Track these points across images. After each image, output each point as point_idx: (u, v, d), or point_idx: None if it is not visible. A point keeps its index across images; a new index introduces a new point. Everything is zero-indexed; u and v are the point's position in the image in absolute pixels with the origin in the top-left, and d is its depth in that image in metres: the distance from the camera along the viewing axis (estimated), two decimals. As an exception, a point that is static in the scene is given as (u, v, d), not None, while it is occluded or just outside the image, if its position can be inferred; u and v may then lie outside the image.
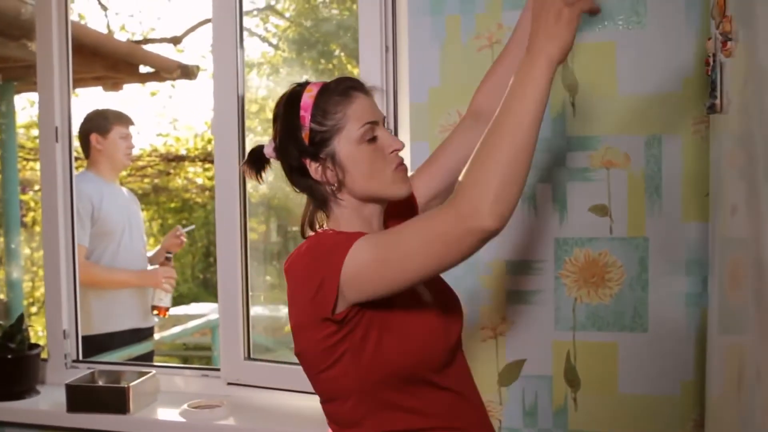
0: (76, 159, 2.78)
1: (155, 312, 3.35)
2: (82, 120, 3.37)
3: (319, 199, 1.49)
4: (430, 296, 1.52)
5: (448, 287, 1.60)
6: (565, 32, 1.22)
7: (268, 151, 1.53)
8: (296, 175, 1.48)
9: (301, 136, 1.44)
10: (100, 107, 3.46)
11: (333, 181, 1.45)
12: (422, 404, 1.43)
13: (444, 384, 1.46)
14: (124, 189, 3.47)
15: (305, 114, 1.44)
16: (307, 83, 1.49)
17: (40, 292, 6.39)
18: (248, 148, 2.43)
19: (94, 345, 3.04)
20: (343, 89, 1.46)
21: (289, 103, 1.47)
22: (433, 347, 1.44)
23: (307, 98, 1.45)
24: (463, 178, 1.24)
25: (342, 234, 1.41)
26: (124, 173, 3.51)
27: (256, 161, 1.55)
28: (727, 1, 1.34)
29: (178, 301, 6.57)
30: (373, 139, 1.45)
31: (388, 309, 1.39)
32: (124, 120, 3.39)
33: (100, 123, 3.32)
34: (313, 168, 1.45)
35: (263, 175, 1.57)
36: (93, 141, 3.29)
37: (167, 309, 3.37)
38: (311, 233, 1.51)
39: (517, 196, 1.22)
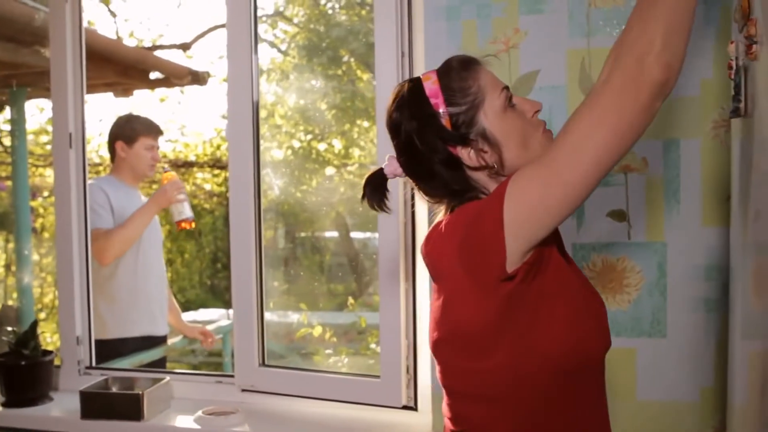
0: (93, 165, 2.79)
1: (181, 226, 3.33)
2: (113, 122, 3.39)
3: (477, 189, 1.36)
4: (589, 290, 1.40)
5: (592, 285, 1.46)
6: None
7: (391, 169, 1.41)
8: (446, 171, 1.34)
9: (442, 124, 1.32)
10: (133, 112, 3.49)
11: (492, 162, 1.33)
12: (572, 418, 1.32)
13: (596, 391, 1.36)
14: (143, 197, 3.49)
15: (437, 101, 1.33)
16: (413, 78, 1.39)
17: (48, 299, 6.40)
18: (261, 154, 2.45)
19: (107, 350, 3.04)
20: (462, 64, 1.36)
21: (413, 99, 1.35)
22: (597, 339, 1.33)
23: (431, 85, 1.34)
24: (619, 42, 1.21)
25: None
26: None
27: (377, 189, 1.43)
28: (752, 4, 1.33)
29: (186, 307, 6.58)
30: (513, 106, 1.36)
31: (554, 284, 1.28)
32: (152, 130, 3.39)
33: (126, 131, 3.32)
34: (466, 154, 1.33)
35: (387, 203, 1.44)
36: (118, 149, 3.30)
37: (192, 219, 3.34)
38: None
39: (683, 47, 1.18)
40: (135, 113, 3.50)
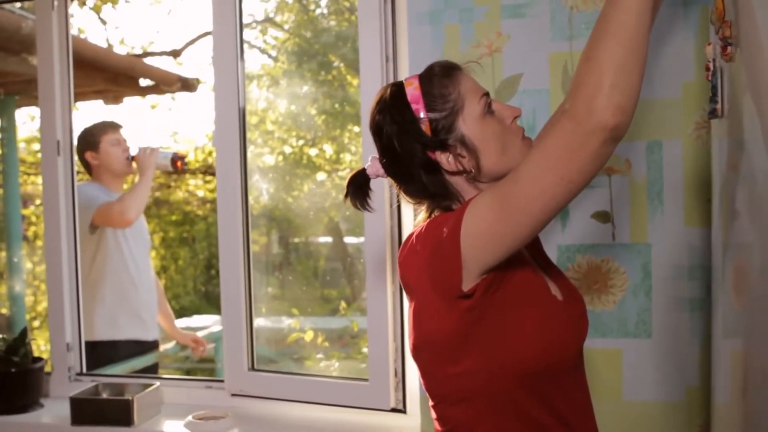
0: (78, 173, 2.80)
1: (179, 165, 3.36)
2: (76, 141, 3.39)
3: (453, 193, 1.38)
4: (558, 291, 1.43)
5: (572, 284, 1.50)
6: None
7: (374, 170, 1.43)
8: (424, 174, 1.36)
9: (422, 129, 1.34)
10: (90, 123, 3.48)
11: (469, 167, 1.35)
12: (544, 413, 1.34)
13: (570, 393, 1.37)
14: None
15: (417, 106, 1.35)
16: (396, 82, 1.41)
17: (42, 306, 6.39)
18: (249, 160, 2.46)
19: (97, 353, 3.04)
20: (444, 70, 1.38)
21: (395, 103, 1.37)
22: (567, 341, 1.35)
23: (413, 90, 1.36)
24: (572, 82, 1.16)
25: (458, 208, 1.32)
26: (125, 186, 3.50)
27: (359, 188, 1.45)
28: (726, 7, 1.35)
29: (180, 313, 6.57)
30: (492, 112, 1.37)
31: (519, 295, 1.31)
32: (110, 127, 3.40)
33: (89, 140, 3.33)
34: (444, 159, 1.35)
35: (370, 202, 1.46)
36: (89, 158, 3.32)
37: (180, 156, 3.38)
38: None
39: (637, 86, 1.13)
40: (89, 124, 3.48)
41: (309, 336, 4.42)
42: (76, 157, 2.81)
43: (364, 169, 1.46)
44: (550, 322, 1.34)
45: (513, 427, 1.34)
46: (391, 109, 1.37)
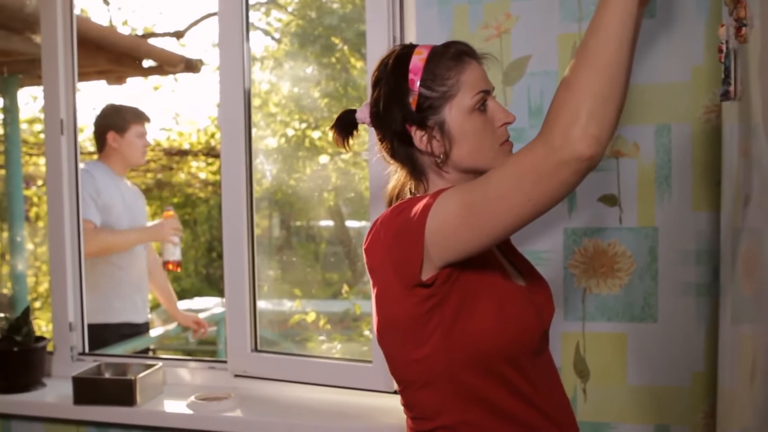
0: (88, 153, 2.78)
1: (168, 267, 3.38)
2: (98, 114, 3.37)
3: (419, 170, 1.41)
4: (522, 279, 1.45)
5: (537, 271, 1.53)
6: None
7: (362, 116, 1.45)
8: (396, 142, 1.40)
9: (408, 101, 1.36)
10: (115, 102, 3.46)
11: (438, 152, 1.37)
12: (507, 396, 1.35)
13: (532, 376, 1.38)
14: (131, 185, 3.48)
15: (414, 77, 1.36)
16: (413, 45, 1.41)
17: (43, 287, 6.38)
18: (254, 142, 2.44)
19: (89, 335, 3.03)
20: (455, 53, 1.38)
21: (396, 65, 1.39)
22: (528, 326, 1.36)
23: (417, 61, 1.37)
24: (550, 107, 1.16)
25: (424, 195, 1.33)
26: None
27: (345, 126, 1.47)
28: (741, -13, 1.33)
29: (181, 295, 6.58)
30: (484, 110, 1.38)
31: (479, 283, 1.32)
32: (141, 118, 3.38)
33: (117, 121, 3.31)
34: (418, 136, 1.37)
35: (350, 141, 1.49)
36: (109, 139, 3.28)
37: (178, 262, 3.39)
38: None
39: (614, 117, 1.13)
40: (119, 103, 3.48)
41: (311, 318, 4.43)
42: (80, 137, 2.79)
43: (354, 111, 1.48)
44: (510, 307, 1.35)
45: (476, 411, 1.35)
46: (391, 71, 1.40)
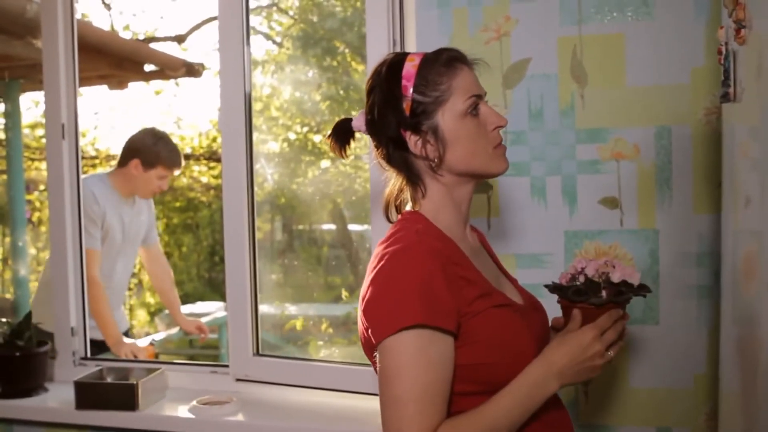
0: (90, 158, 2.78)
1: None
2: (138, 132, 3.31)
3: (415, 175, 1.44)
4: (518, 296, 1.52)
5: (539, 303, 1.60)
6: (587, 376, 1.35)
7: (357, 124, 1.48)
8: (392, 147, 1.42)
9: (402, 107, 1.39)
10: (157, 130, 3.38)
11: (433, 156, 1.40)
12: None
13: None
14: (134, 201, 3.41)
15: (407, 84, 1.39)
16: (406, 53, 1.45)
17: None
18: (256, 146, 2.44)
19: None
20: (447, 60, 1.41)
21: (389, 72, 1.42)
22: (523, 352, 1.39)
23: (410, 67, 1.40)
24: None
25: (418, 257, 1.32)
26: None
27: (342, 135, 1.50)
28: (740, -11, 1.33)
29: (184, 300, 6.58)
30: (476, 114, 1.41)
31: (488, 324, 1.36)
32: (173, 164, 3.34)
33: (149, 156, 3.26)
34: (413, 141, 1.40)
35: (348, 150, 1.52)
36: (131, 165, 3.25)
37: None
38: (398, 216, 1.48)
39: None
40: (160, 132, 3.39)
41: (300, 324, 4.42)
42: (81, 141, 2.79)
43: (350, 120, 1.51)
44: (506, 335, 1.38)
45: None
46: (384, 78, 1.42)
